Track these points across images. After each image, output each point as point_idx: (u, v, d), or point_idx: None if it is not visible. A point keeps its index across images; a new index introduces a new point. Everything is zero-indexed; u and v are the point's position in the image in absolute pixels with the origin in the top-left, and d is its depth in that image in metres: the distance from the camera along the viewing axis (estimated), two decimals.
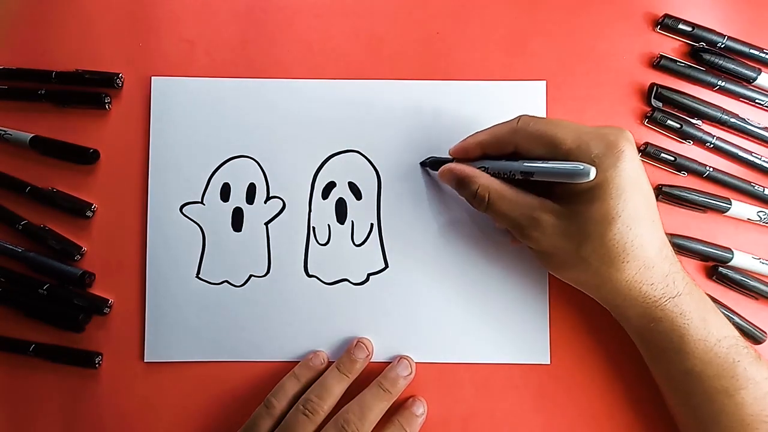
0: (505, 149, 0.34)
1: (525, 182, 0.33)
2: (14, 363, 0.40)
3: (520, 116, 0.34)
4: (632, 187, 0.30)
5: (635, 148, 0.32)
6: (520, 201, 0.33)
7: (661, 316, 0.32)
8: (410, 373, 0.38)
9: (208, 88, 0.40)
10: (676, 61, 0.40)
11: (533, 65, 0.40)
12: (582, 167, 0.29)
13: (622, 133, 0.31)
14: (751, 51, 0.39)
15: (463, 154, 0.36)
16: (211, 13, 0.41)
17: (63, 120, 0.41)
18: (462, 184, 0.35)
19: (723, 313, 0.34)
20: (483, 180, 0.34)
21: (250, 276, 0.40)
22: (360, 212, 0.40)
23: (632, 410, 0.39)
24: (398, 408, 0.38)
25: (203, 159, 0.40)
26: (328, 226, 0.40)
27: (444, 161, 0.37)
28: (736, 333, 0.33)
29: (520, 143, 0.33)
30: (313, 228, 0.40)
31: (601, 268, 0.32)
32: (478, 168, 0.35)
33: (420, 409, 0.38)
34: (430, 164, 0.39)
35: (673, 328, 0.32)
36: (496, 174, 0.34)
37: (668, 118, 0.39)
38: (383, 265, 0.40)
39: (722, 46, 0.39)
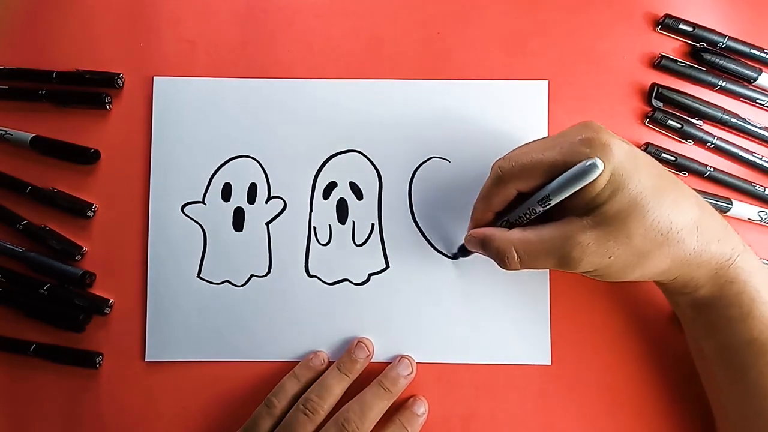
0: (507, 197, 0.33)
1: (541, 219, 0.32)
2: (14, 363, 0.40)
3: (496, 164, 0.32)
4: (635, 163, 0.29)
5: (609, 131, 0.30)
6: (549, 235, 0.31)
7: (733, 276, 0.31)
8: (411, 373, 0.38)
9: (209, 88, 0.40)
10: (676, 61, 0.40)
11: (533, 65, 0.40)
12: (591, 161, 0.28)
13: (590, 126, 0.30)
14: (752, 51, 0.39)
15: (479, 225, 0.35)
16: (211, 13, 0.41)
17: (63, 120, 0.41)
18: (484, 246, 0.34)
19: None
20: (503, 235, 0.32)
21: (251, 276, 0.40)
22: (361, 212, 0.40)
23: (633, 410, 0.38)
24: (399, 407, 0.38)
25: (204, 159, 0.40)
26: (329, 226, 0.40)
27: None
28: None
29: (518, 185, 0.32)
30: (314, 228, 0.40)
31: (663, 249, 0.30)
32: (500, 224, 0.34)
33: (421, 408, 0.38)
34: (461, 252, 0.38)
35: (745, 290, 0.31)
36: (517, 221, 0.33)
37: (669, 118, 0.39)
38: (384, 266, 0.40)
39: (723, 46, 0.39)
